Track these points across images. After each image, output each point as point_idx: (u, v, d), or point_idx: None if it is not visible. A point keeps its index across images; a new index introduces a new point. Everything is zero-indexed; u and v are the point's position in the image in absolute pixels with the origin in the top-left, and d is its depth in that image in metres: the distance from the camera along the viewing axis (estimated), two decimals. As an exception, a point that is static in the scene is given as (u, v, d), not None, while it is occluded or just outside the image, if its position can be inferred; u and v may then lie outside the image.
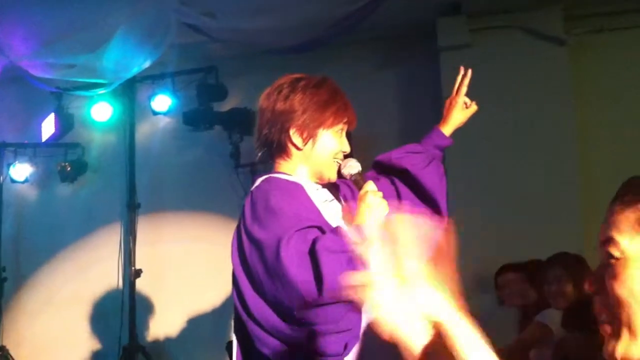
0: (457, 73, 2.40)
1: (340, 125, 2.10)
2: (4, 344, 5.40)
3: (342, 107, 2.11)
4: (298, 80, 2.12)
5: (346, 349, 1.84)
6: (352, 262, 1.79)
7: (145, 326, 5.45)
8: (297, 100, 2.07)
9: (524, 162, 4.69)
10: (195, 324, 5.35)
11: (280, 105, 2.08)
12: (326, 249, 1.78)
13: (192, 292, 5.37)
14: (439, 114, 4.62)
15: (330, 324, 1.80)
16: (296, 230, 1.82)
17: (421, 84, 5.04)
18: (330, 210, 2.08)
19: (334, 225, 1.98)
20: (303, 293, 1.76)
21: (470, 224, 4.61)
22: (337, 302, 1.77)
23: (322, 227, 1.90)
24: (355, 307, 1.83)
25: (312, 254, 1.78)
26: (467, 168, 4.68)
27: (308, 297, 1.75)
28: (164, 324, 5.45)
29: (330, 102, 2.09)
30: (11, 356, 5.32)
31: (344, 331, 1.82)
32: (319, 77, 2.15)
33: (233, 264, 1.97)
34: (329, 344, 1.81)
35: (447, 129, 2.35)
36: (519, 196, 4.63)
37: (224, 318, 5.18)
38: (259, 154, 2.16)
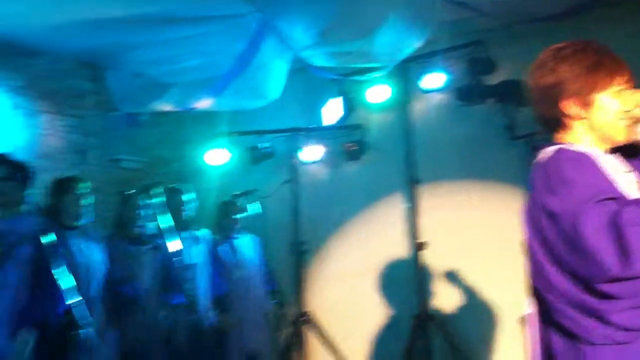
0: None
1: (615, 85, 1.98)
2: (308, 309, 6.02)
3: (614, 66, 1.99)
4: (560, 50, 2.04)
5: None
6: None
7: (433, 295, 5.67)
8: (564, 70, 1.99)
9: None
10: (483, 293, 5.45)
11: (547, 80, 2.02)
12: (631, 222, 1.70)
13: (473, 260, 5.46)
14: None
15: (636, 297, 1.75)
16: (595, 202, 1.77)
17: None
18: (626, 181, 1.98)
19: (630, 196, 1.88)
20: (606, 266, 1.71)
21: None
22: None
23: (620, 199, 1.82)
24: None
25: (615, 226, 1.72)
26: None
27: (611, 271, 1.71)
28: (450, 293, 5.61)
29: (598, 63, 1.98)
30: (315, 320, 5.93)
31: None
32: (581, 42, 2.04)
33: (526, 236, 1.97)
34: (634, 317, 1.77)
35: None
36: None
37: (510, 287, 5.21)
38: (540, 131, 2.12)
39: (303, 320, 5.87)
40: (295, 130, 6.17)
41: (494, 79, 5.27)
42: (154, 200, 4.57)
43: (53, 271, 3.45)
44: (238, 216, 5.29)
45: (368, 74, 5.54)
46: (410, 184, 5.74)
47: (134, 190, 4.71)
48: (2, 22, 4.78)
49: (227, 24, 4.86)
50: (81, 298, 3.49)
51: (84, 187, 4.22)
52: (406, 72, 5.78)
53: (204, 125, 6.59)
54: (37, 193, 4.45)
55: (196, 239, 4.96)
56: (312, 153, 6.22)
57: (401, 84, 5.86)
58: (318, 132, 6.21)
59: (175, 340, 4.61)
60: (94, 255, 4.09)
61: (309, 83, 6.18)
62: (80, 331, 3.43)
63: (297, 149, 6.18)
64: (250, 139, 6.27)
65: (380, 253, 5.98)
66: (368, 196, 6.12)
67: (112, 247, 4.30)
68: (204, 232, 5.08)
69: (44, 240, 3.53)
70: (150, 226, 4.68)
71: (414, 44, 4.87)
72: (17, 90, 5.82)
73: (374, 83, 5.78)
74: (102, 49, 5.53)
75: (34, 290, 3.57)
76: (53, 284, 3.48)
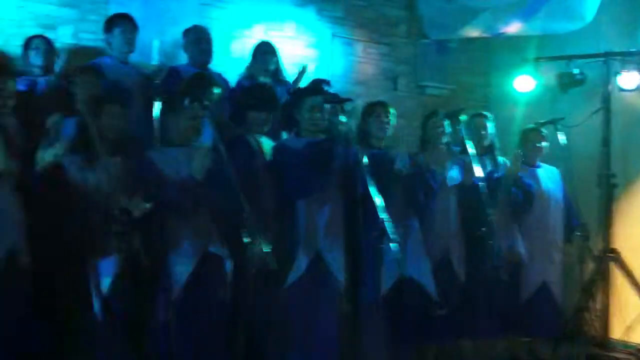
0: None
1: None
2: (616, 246, 5.70)
3: None
4: None
5: None
6: None
7: None
8: None
9: None
10: None
11: None
12: None
13: None
14: None
15: None
16: None
17: None
18: None
19: None
20: None
21: None
22: None
23: None
24: None
25: None
26: None
27: None
28: None
29: None
30: (621, 258, 5.63)
31: None
32: None
33: None
34: None
35: None
36: None
37: None
38: None
39: (609, 256, 5.61)
40: (610, 55, 5.75)
41: None
42: (459, 126, 4.68)
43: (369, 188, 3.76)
44: (541, 145, 5.16)
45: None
46: None
47: (437, 113, 4.86)
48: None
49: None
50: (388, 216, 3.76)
51: (389, 112, 4.48)
52: None
53: (512, 51, 6.48)
54: (351, 117, 4.85)
55: (497, 166, 4.98)
56: (629, 80, 5.75)
57: None
58: (637, 57, 5.71)
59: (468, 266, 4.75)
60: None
61: (627, 2, 5.70)
62: (385, 245, 3.71)
63: (612, 75, 5.77)
64: (560, 65, 5.99)
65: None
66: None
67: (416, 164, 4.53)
68: (505, 160, 5.07)
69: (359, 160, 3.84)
70: (454, 150, 4.81)
71: None
72: (336, 20, 6.30)
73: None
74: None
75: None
76: (369, 200, 3.79)
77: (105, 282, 3.37)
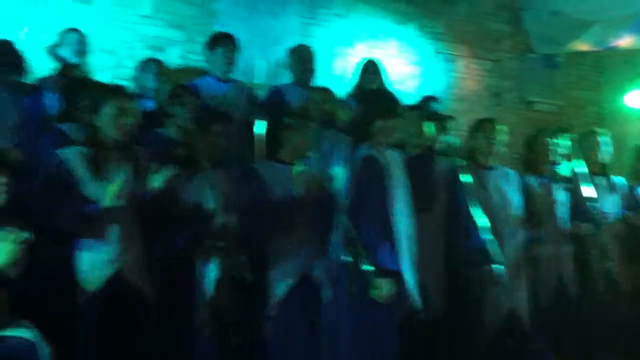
0: None
1: None
2: None
3: None
4: None
5: None
6: None
7: None
8: None
9: None
10: None
11: None
12: None
13: None
14: None
15: None
16: None
17: None
18: None
19: None
20: None
21: None
22: None
23: None
24: None
25: None
26: None
27: None
28: None
29: None
30: None
31: None
32: None
33: None
34: None
35: None
36: None
37: None
38: None
39: None
40: None
41: None
42: (567, 143, 4.48)
43: (470, 208, 3.65)
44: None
45: None
46: None
47: (543, 130, 4.67)
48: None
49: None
50: (493, 236, 3.63)
51: (497, 128, 4.30)
52: None
53: (624, 65, 6.23)
54: (454, 135, 4.74)
55: (612, 187, 4.71)
56: None
57: None
58: None
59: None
60: (510, 193, 4.18)
61: None
62: (493, 266, 3.59)
63: None
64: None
65: None
66: None
67: (523, 185, 4.34)
68: (620, 179, 4.80)
69: (462, 178, 3.74)
70: (563, 168, 4.57)
71: None
72: (438, 36, 6.23)
73: None
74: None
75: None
76: (470, 220, 3.67)
77: (208, 295, 3.44)
